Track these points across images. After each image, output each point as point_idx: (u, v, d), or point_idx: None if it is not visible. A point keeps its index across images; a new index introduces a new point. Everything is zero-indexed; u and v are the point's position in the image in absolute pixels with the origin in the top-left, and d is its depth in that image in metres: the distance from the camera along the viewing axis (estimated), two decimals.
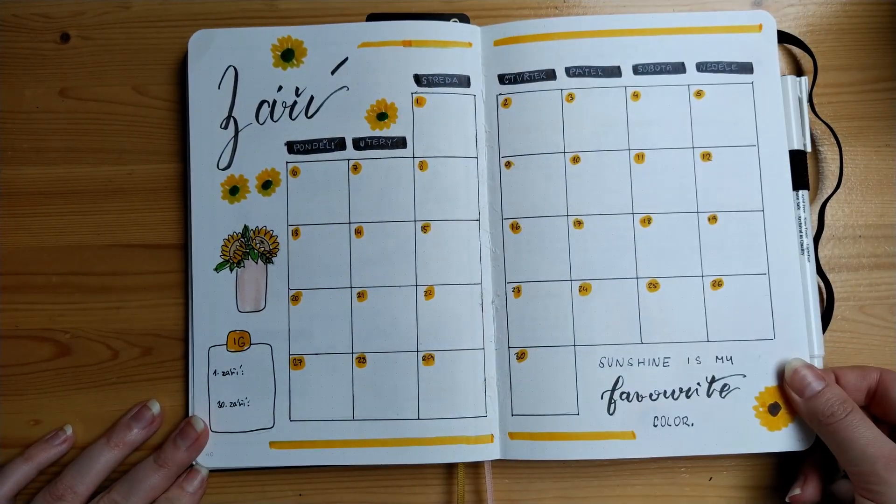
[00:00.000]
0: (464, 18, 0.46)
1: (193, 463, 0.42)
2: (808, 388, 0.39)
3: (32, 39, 0.47)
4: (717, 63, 0.44)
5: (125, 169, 0.46)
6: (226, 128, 0.45)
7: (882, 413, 0.39)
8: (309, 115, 0.44)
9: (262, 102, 0.45)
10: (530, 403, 0.42)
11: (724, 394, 0.41)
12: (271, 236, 0.44)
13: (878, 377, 0.39)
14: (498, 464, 0.43)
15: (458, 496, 0.42)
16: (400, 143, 0.44)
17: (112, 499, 0.39)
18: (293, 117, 0.44)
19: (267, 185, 0.44)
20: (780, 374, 0.41)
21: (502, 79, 0.44)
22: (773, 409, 0.41)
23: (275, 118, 0.45)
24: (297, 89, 0.45)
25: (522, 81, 0.44)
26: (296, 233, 0.44)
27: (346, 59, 0.45)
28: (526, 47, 0.44)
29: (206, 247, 0.44)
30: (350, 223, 0.44)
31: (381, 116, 0.44)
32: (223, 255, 0.44)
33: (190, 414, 0.43)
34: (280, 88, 0.45)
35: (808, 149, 0.44)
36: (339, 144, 0.44)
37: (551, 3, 0.47)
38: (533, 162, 0.44)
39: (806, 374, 0.39)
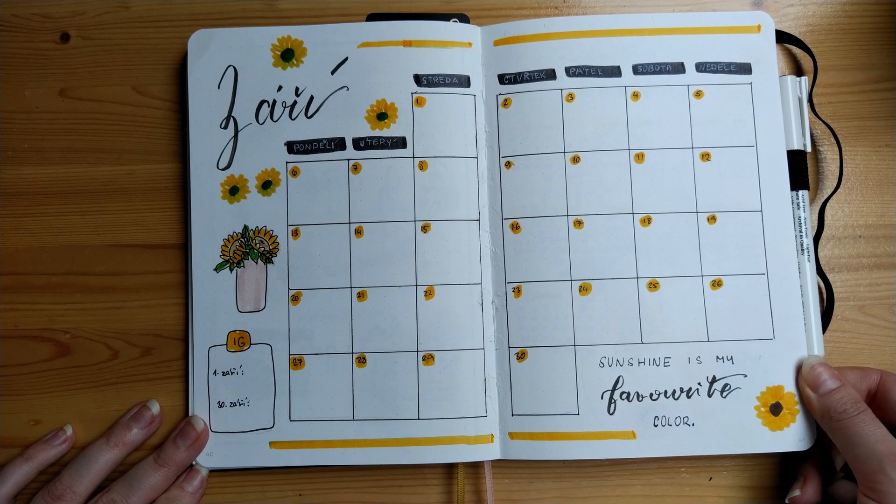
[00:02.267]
0: (464, 18, 0.46)
1: (193, 463, 0.42)
2: (824, 385, 0.39)
3: (32, 39, 0.47)
4: (717, 63, 0.44)
5: (125, 169, 0.46)
6: (225, 128, 0.45)
7: (882, 415, 0.39)
8: (309, 115, 0.44)
9: (261, 102, 0.45)
10: (530, 403, 0.42)
11: (724, 394, 0.41)
12: (271, 236, 0.44)
13: (879, 379, 0.39)
14: (498, 464, 0.43)
15: (458, 496, 0.42)
16: (400, 143, 0.44)
17: (111, 498, 0.39)
18: (293, 117, 0.44)
19: (267, 185, 0.44)
20: (797, 370, 0.41)
21: (502, 79, 0.44)
22: (775, 410, 0.41)
23: (274, 118, 0.45)
24: (297, 89, 0.45)
25: (522, 81, 0.44)
26: (296, 233, 0.44)
27: (346, 59, 0.45)
28: (526, 47, 0.44)
29: (205, 247, 0.44)
30: (350, 223, 0.44)
31: (381, 116, 0.44)
32: (223, 255, 0.44)
33: (190, 414, 0.43)
34: (280, 88, 0.45)
35: (808, 149, 0.44)
36: (338, 144, 0.44)
37: (551, 3, 0.47)
38: (532, 162, 0.44)
39: (822, 371, 0.40)
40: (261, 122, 0.45)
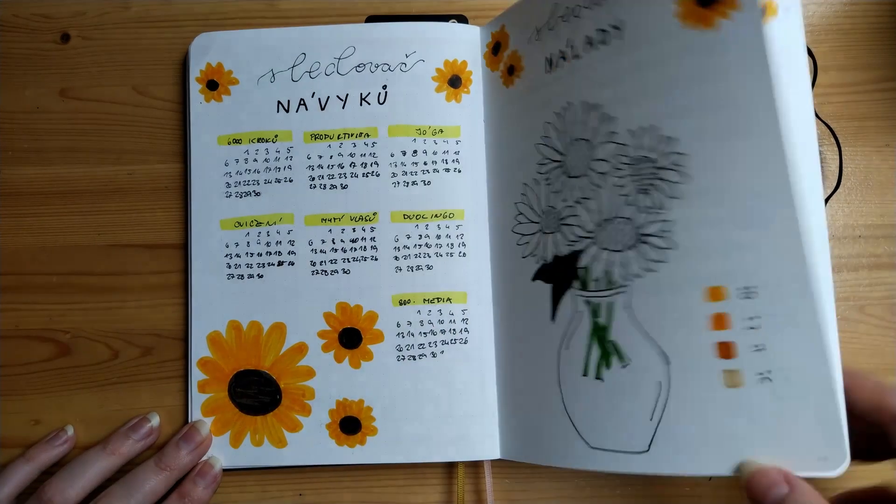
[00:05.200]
0: (462, 19, 0.46)
1: (207, 456, 0.42)
2: (770, 494, 0.31)
3: (32, 39, 0.47)
4: None
5: (125, 169, 0.46)
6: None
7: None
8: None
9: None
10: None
11: None
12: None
13: None
14: (498, 463, 0.43)
15: (458, 496, 0.42)
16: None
17: (110, 501, 0.38)
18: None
19: None
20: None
21: None
22: None
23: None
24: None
25: None
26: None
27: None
28: None
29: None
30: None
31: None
32: None
33: (189, 415, 0.43)
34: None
35: None
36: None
37: None
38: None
39: (761, 477, 0.32)
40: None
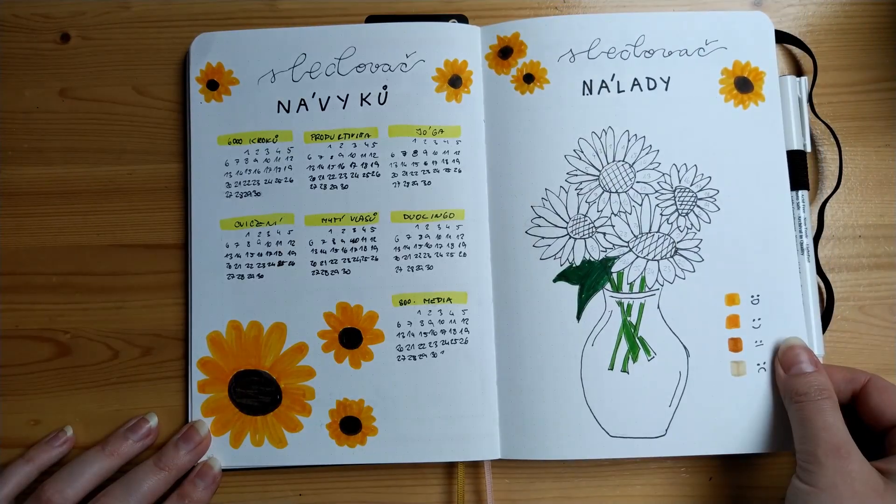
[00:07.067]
0: (462, 19, 0.46)
1: (206, 457, 0.42)
2: (796, 367, 0.39)
3: (32, 39, 0.47)
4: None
5: (125, 169, 0.46)
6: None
7: (864, 418, 0.39)
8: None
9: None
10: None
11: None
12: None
13: (866, 381, 0.39)
14: (498, 463, 0.43)
15: (458, 496, 0.42)
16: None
17: (109, 501, 0.38)
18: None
19: None
20: (775, 350, 0.41)
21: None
22: None
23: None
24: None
25: None
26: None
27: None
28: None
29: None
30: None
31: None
32: None
33: (189, 415, 0.43)
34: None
35: (808, 149, 0.44)
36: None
37: (551, 4, 0.47)
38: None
39: (801, 353, 0.39)
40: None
